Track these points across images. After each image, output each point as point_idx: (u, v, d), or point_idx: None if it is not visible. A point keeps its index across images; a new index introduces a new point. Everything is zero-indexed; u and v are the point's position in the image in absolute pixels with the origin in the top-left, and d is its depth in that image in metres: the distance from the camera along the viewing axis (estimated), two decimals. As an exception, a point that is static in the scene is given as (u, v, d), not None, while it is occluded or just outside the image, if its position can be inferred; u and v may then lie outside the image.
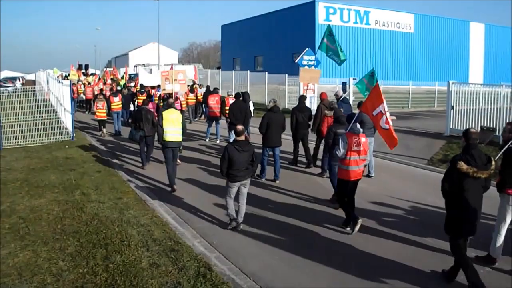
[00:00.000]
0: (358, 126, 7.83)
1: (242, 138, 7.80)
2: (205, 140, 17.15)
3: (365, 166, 8.63)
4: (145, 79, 25.61)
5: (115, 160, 13.54)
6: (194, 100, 22.43)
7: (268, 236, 7.45)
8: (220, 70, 43.34)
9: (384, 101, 7.96)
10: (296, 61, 18.69)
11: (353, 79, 23.86)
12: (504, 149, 6.37)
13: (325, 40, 17.20)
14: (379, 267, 6.28)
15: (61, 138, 16.84)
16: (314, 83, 19.72)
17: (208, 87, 22.47)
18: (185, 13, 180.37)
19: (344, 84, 23.24)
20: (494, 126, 15.12)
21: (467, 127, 5.72)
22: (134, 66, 44.87)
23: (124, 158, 13.98)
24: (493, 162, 5.61)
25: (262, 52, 45.84)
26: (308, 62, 19.64)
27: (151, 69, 38.16)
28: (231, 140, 12.29)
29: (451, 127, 16.98)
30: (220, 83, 34.68)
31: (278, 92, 27.71)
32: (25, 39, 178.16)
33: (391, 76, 39.18)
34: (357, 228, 7.49)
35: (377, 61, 41.17)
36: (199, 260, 6.37)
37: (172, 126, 10.41)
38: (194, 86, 23.14)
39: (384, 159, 13.63)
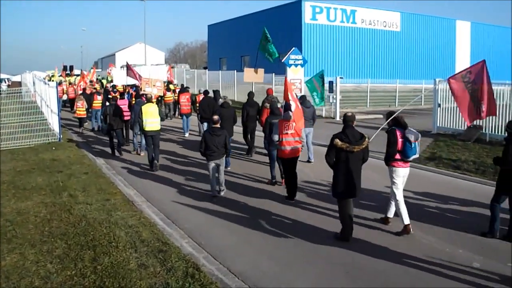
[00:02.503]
0: (290, 113, 9.35)
1: (217, 126, 9.62)
2: (184, 135, 18.24)
3: (302, 146, 9.86)
4: (121, 78, 25.80)
5: (101, 160, 13.53)
6: (171, 98, 23.50)
7: (251, 232, 7.51)
8: (207, 70, 43.26)
9: (293, 91, 10.47)
10: (282, 61, 18.68)
11: (340, 77, 24.02)
12: (378, 131, 7.91)
13: (263, 43, 17.70)
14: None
15: (48, 139, 16.72)
16: (259, 81, 20.33)
17: (182, 85, 23.65)
18: (172, 13, 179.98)
19: (331, 83, 23.40)
20: (480, 124, 15.30)
21: (345, 112, 7.23)
22: (121, 67, 44.60)
23: (107, 155, 14.08)
24: (366, 139, 6.95)
25: (248, 51, 45.70)
26: (295, 62, 19.65)
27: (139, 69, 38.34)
28: (202, 130, 14.07)
29: (438, 125, 17.19)
30: (207, 83, 34.66)
31: (265, 92, 27.69)
32: (9, 40, 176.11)
33: (378, 74, 39.44)
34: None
35: (363, 59, 41.43)
36: (187, 260, 6.39)
37: (151, 117, 12.03)
38: (170, 86, 24.43)
39: (373, 158, 13.70)
